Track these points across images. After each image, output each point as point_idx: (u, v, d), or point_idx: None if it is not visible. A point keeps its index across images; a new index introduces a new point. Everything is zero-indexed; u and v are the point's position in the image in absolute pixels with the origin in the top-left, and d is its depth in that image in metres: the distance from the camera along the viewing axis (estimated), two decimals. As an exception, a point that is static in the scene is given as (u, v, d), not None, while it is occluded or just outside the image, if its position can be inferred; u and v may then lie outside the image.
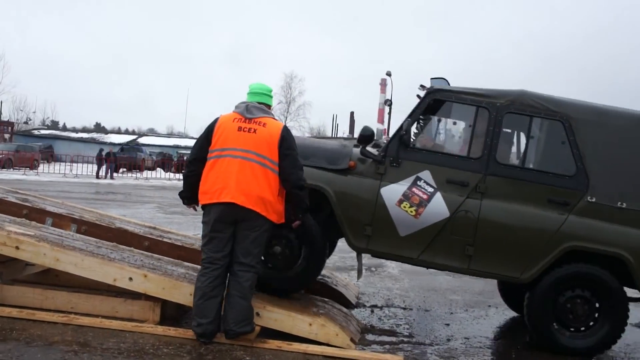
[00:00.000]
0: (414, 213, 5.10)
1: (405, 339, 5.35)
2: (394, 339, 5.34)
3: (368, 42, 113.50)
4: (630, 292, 5.27)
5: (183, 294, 4.78)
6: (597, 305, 5.17)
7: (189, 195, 4.77)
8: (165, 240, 6.42)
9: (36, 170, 33.02)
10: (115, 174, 33.38)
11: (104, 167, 32.69)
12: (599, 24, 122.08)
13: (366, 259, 6.52)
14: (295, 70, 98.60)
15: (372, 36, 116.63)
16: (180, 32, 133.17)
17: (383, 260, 7.90)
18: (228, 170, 4.46)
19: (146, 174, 36.17)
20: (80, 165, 33.64)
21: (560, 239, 5.08)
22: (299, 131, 58.10)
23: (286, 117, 60.52)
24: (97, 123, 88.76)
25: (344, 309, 5.56)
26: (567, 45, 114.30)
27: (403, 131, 5.23)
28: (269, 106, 4.84)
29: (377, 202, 5.15)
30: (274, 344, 4.60)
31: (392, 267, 9.04)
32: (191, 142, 27.00)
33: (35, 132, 62.34)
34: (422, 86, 5.44)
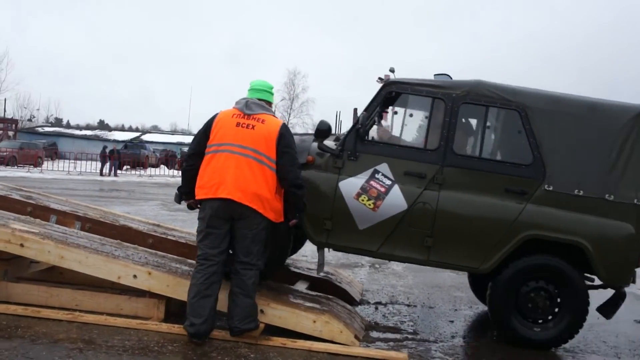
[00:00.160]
0: (372, 206, 5.11)
1: (410, 336, 5.35)
2: (398, 336, 5.34)
3: (369, 41, 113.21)
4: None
5: (187, 291, 4.77)
6: (557, 296, 5.17)
7: (187, 191, 4.70)
8: (169, 237, 6.43)
9: (40, 168, 33.04)
10: (119, 171, 33.41)
11: (107, 165, 32.71)
12: (599, 23, 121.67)
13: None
14: (298, 67, 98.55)
15: (373, 35, 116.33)
16: (182, 31, 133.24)
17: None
18: (225, 165, 4.44)
19: (150, 171, 36.27)
20: (84, 162, 33.77)
21: (519, 228, 5.07)
22: (303, 128, 58.18)
23: (289, 114, 60.60)
24: (100, 120, 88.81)
25: (348, 306, 5.55)
26: (567, 45, 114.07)
27: (359, 124, 5.22)
28: (269, 103, 4.82)
29: (335, 196, 5.15)
30: (278, 341, 4.60)
31: (396, 264, 9.02)
32: (195, 139, 26.83)
33: (39, 129, 62.55)
34: (380, 79, 5.44)
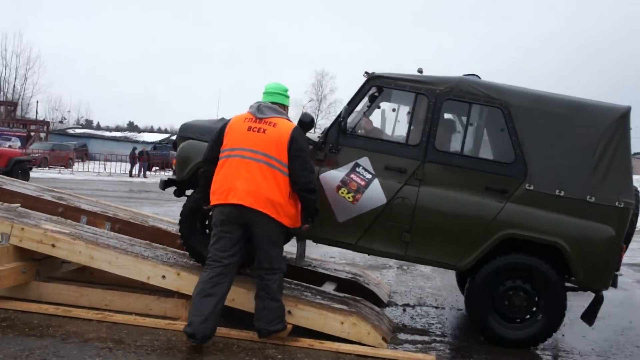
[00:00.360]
0: (351, 199, 5.08)
1: (438, 339, 5.31)
2: (426, 338, 5.30)
3: (398, 42, 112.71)
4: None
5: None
6: (534, 296, 5.10)
7: (204, 196, 4.64)
8: (197, 238, 6.44)
9: (71, 169, 33.58)
10: (148, 173, 33.81)
11: (137, 166, 33.10)
12: (601, 24, 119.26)
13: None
14: (326, 69, 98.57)
15: (402, 36, 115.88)
16: (211, 32, 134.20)
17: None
18: (237, 170, 4.39)
19: (178, 172, 36.43)
20: (113, 163, 34.19)
21: (497, 227, 5.00)
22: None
23: (317, 115, 60.57)
24: (130, 122, 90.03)
25: (376, 308, 5.53)
26: (567, 44, 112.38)
27: (342, 118, 5.18)
28: (284, 106, 4.75)
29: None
30: (305, 342, 4.59)
31: (424, 265, 8.96)
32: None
33: (70, 131, 63.56)
34: (367, 73, 5.39)
